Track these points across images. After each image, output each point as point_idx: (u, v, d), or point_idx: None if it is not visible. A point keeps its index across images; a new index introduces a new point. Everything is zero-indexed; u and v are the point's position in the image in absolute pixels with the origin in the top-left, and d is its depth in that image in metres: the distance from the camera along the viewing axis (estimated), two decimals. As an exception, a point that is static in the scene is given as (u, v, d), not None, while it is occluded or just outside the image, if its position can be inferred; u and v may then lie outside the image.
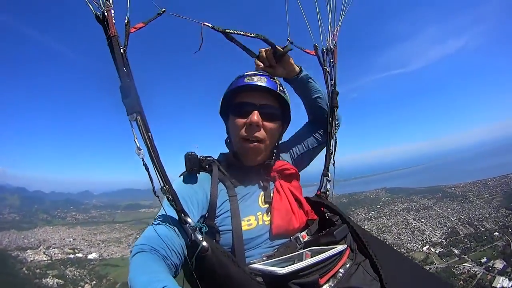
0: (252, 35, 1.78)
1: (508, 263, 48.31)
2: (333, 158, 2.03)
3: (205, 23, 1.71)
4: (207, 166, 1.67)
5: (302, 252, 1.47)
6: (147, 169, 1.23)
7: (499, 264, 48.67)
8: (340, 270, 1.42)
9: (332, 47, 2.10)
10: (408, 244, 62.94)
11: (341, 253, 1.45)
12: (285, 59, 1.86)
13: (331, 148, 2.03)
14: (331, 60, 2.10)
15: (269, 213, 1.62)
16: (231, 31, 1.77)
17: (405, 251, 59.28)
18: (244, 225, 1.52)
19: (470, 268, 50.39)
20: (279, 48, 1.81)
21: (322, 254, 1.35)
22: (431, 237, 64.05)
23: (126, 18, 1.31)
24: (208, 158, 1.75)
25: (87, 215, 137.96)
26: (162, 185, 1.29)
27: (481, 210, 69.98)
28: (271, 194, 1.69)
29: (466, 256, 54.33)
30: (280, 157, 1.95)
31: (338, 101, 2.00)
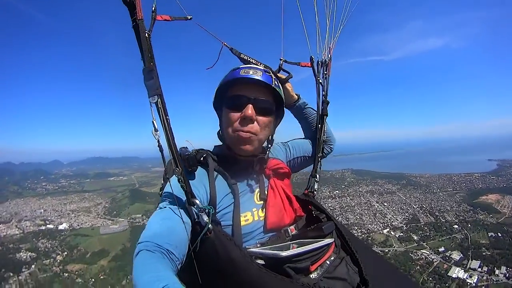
0: (261, 66, 1.81)
1: (464, 256, 48.02)
2: (321, 162, 2.15)
3: (225, 44, 1.84)
4: (201, 159, 1.62)
5: (290, 244, 1.57)
6: (161, 150, 1.29)
7: (456, 256, 48.35)
8: (326, 261, 1.54)
9: (327, 60, 2.22)
10: (369, 225, 61.59)
11: (328, 246, 1.57)
12: (286, 87, 1.98)
13: (319, 152, 2.14)
14: (325, 72, 2.22)
15: (264, 209, 1.68)
16: (245, 57, 1.85)
17: (366, 232, 59.17)
18: (242, 221, 1.57)
19: (428, 255, 49.76)
20: (281, 76, 1.92)
21: (313, 244, 1.48)
22: (392, 221, 62.74)
23: (154, 5, 1.33)
24: (201, 151, 1.70)
25: (57, 185, 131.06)
26: (175, 167, 1.33)
27: (443, 202, 69.47)
28: (266, 192, 1.73)
29: (424, 243, 53.71)
30: (274, 155, 1.97)
31: (328, 110, 2.16)
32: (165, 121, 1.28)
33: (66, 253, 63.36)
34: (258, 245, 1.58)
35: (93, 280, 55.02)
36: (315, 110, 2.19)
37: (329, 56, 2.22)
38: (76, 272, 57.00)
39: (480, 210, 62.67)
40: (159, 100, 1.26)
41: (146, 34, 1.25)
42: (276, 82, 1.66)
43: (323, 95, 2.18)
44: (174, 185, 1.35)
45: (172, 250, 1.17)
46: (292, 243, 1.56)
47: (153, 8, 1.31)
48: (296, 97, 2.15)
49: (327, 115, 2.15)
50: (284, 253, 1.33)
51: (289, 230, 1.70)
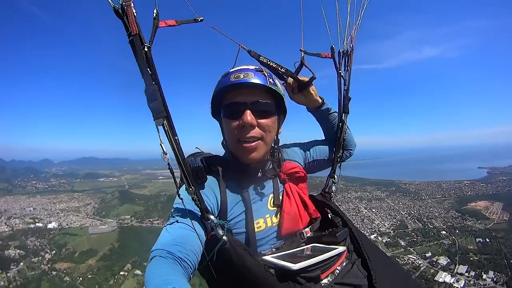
0: (282, 70, 1.75)
1: (452, 261, 46.29)
2: (340, 162, 1.99)
3: (242, 46, 1.70)
4: (212, 167, 1.53)
5: (304, 248, 1.54)
6: (172, 173, 1.20)
7: (443, 261, 46.43)
8: (337, 268, 1.49)
9: (349, 50, 1.96)
10: (357, 231, 58.92)
11: (340, 254, 1.53)
12: (308, 89, 1.82)
13: (339, 152, 1.96)
14: (347, 64, 1.97)
15: (278, 215, 1.58)
16: (265, 60, 1.72)
17: (353, 237, 56.26)
18: (255, 227, 1.50)
19: (415, 260, 47.68)
20: (303, 79, 1.78)
21: (326, 254, 1.43)
22: (380, 227, 60.20)
23: (155, 11, 1.13)
24: (211, 158, 1.59)
25: (47, 184, 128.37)
26: (188, 186, 1.25)
27: (431, 209, 67.21)
28: (280, 197, 1.62)
29: (411, 249, 51.53)
30: (290, 157, 1.85)
31: (349, 107, 1.93)
32: (174, 143, 1.16)
33: (54, 251, 61.37)
34: (273, 249, 1.51)
35: (80, 279, 52.95)
36: (337, 116, 1.97)
37: (351, 46, 1.95)
38: (64, 271, 54.97)
39: (468, 217, 60.41)
40: (166, 122, 1.12)
41: (146, 48, 1.07)
42: (271, 80, 1.48)
43: (344, 90, 1.92)
44: (186, 200, 1.27)
45: (184, 258, 1.13)
46: (307, 247, 1.51)
47: (154, 15, 1.11)
48: (320, 101, 1.91)
49: (348, 113, 1.93)
50: (296, 266, 1.29)
51: (304, 233, 1.63)
